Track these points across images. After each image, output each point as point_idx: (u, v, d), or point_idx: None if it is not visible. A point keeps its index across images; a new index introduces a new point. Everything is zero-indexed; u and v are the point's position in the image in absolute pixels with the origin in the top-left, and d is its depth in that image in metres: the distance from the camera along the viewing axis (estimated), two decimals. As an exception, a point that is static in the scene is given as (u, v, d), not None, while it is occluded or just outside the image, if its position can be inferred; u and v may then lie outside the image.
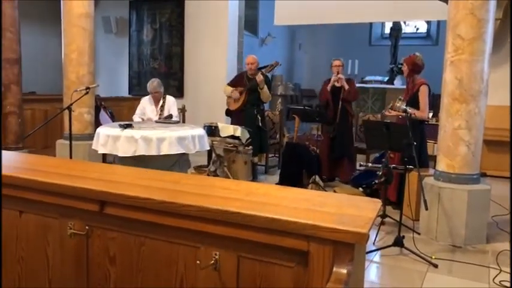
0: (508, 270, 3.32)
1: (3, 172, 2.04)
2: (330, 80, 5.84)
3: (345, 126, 5.84)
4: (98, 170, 2.22)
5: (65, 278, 1.97)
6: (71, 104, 4.69)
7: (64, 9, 5.98)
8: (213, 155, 5.50)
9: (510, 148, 5.58)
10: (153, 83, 5.57)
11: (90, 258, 1.92)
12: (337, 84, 5.73)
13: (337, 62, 5.81)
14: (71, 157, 4.87)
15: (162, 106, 5.57)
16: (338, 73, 5.76)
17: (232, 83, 6.17)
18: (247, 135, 5.38)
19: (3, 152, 2.87)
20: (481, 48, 3.80)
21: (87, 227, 1.89)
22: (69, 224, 1.92)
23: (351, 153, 5.95)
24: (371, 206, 1.66)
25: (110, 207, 1.82)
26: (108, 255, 1.88)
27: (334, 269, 1.42)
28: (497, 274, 3.27)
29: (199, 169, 5.87)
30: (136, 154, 4.24)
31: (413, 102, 4.61)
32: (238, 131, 5.28)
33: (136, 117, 5.61)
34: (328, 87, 5.81)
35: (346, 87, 5.72)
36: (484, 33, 3.79)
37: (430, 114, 4.74)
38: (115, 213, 1.81)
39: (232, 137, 5.29)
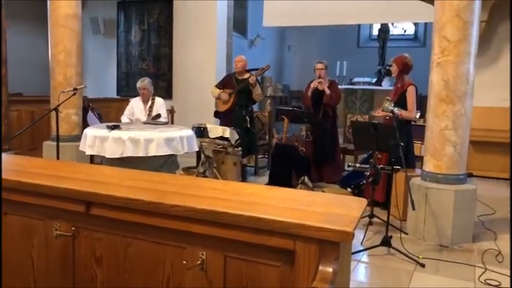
0: (493, 268, 3.36)
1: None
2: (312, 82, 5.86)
3: (325, 129, 5.84)
4: (85, 171, 2.20)
5: (50, 279, 1.96)
6: (58, 105, 4.65)
7: (50, 9, 5.93)
8: (202, 156, 5.49)
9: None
10: (144, 81, 5.58)
11: (76, 260, 1.91)
12: (320, 88, 5.73)
13: (319, 66, 5.81)
14: (58, 159, 4.83)
15: (151, 107, 5.56)
16: (319, 76, 5.77)
17: (221, 85, 6.18)
18: (236, 137, 5.38)
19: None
20: (466, 50, 3.85)
21: (73, 228, 1.88)
22: (55, 225, 1.90)
23: (333, 157, 5.94)
24: (357, 205, 1.67)
25: (96, 208, 1.81)
26: (95, 256, 1.87)
27: (320, 268, 1.43)
28: (483, 273, 3.30)
29: (188, 170, 5.85)
30: (124, 155, 4.22)
31: (401, 102, 4.65)
32: (227, 132, 5.28)
33: (124, 118, 5.58)
34: (309, 92, 5.83)
35: (328, 92, 5.71)
36: (469, 35, 3.83)
37: (418, 114, 4.78)
38: (101, 214, 1.81)
39: (221, 138, 5.29)
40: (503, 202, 5.26)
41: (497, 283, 3.14)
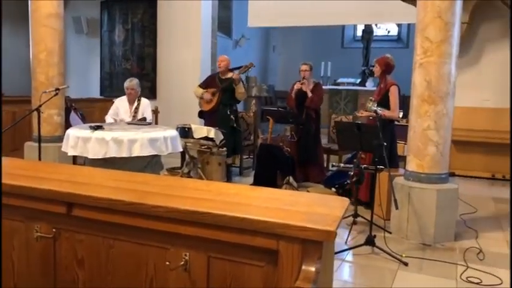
0: (475, 266, 3.42)
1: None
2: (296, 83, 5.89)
3: (308, 131, 5.86)
4: (66, 172, 2.18)
5: (31, 282, 1.93)
6: (40, 106, 4.60)
7: (31, 8, 5.85)
8: (187, 156, 5.47)
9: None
10: (132, 81, 5.53)
11: (57, 262, 1.88)
12: (303, 89, 5.76)
13: (303, 67, 5.84)
14: (40, 160, 4.75)
15: (137, 108, 5.51)
16: (304, 78, 5.79)
17: (204, 84, 6.16)
18: (221, 137, 5.36)
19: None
20: (448, 51, 3.90)
21: (54, 230, 1.85)
22: (36, 227, 1.87)
23: (316, 157, 5.97)
24: (339, 204, 1.68)
25: (78, 209, 1.79)
26: (76, 258, 1.85)
27: (303, 268, 1.43)
28: (464, 270, 3.35)
29: (172, 171, 5.82)
30: (107, 156, 4.18)
31: (385, 102, 4.70)
32: (212, 132, 5.26)
33: (108, 118, 5.53)
34: (292, 94, 5.86)
35: (310, 94, 5.74)
36: (450, 37, 3.88)
37: (401, 114, 4.83)
38: (83, 215, 1.78)
39: (206, 138, 5.27)
40: (485, 201, 5.36)
41: (478, 280, 3.19)
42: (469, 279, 3.22)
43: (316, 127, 5.94)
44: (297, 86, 5.81)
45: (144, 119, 5.40)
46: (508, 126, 6.43)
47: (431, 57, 3.91)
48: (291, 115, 6.01)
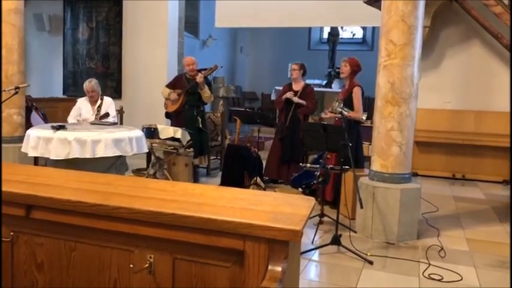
0: (436, 263, 3.51)
1: None
2: (289, 85, 5.94)
3: (295, 130, 5.88)
4: (25, 172, 2.10)
5: (-13, 288, 1.85)
6: (-2, 105, 4.43)
7: (-10, 4, 5.64)
8: (153, 157, 5.38)
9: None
10: (91, 82, 5.38)
11: (15, 267, 1.81)
12: (295, 101, 5.77)
13: (292, 66, 5.94)
14: (-2, 161, 4.58)
15: (99, 107, 5.38)
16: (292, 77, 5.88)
17: (171, 85, 6.09)
18: (188, 137, 5.31)
19: None
20: (411, 54, 3.99)
21: (12, 233, 1.79)
22: (-8, 231, 1.80)
23: (299, 156, 6.00)
24: (305, 204, 1.68)
25: (37, 211, 1.73)
26: (36, 262, 1.79)
27: (269, 267, 1.43)
28: (427, 268, 3.43)
29: (138, 172, 5.73)
30: (69, 157, 4.06)
31: (348, 102, 4.78)
32: (178, 132, 5.20)
33: (70, 119, 5.37)
34: (283, 97, 5.85)
35: (296, 100, 5.77)
36: (413, 40, 3.98)
37: (365, 116, 4.92)
38: (43, 217, 1.73)
39: (173, 139, 5.21)
40: (446, 200, 5.52)
41: (440, 277, 3.27)
42: (431, 276, 3.30)
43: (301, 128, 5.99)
44: (289, 95, 5.79)
45: (107, 114, 5.26)
46: (467, 128, 6.69)
47: (394, 60, 4.00)
48: (259, 116, 6.02)
